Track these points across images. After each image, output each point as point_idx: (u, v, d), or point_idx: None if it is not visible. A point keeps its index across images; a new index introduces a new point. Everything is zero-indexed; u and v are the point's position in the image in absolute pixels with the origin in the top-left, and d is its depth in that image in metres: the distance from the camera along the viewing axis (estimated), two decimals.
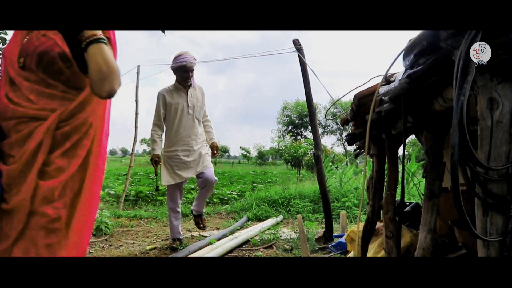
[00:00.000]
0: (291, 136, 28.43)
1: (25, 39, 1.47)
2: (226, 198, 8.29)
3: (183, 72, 3.54)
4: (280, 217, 5.88)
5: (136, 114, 7.14)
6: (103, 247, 4.14)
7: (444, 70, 1.09)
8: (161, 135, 3.71)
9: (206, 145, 3.83)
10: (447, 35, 0.99)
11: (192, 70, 3.58)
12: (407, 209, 2.74)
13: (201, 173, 3.69)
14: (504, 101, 0.91)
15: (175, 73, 3.64)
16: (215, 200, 8.09)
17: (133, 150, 7.40)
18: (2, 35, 4.49)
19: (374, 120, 1.71)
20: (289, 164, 17.83)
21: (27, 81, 1.43)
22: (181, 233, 3.95)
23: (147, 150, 34.66)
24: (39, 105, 1.41)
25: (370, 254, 2.39)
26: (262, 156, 31.85)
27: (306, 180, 11.71)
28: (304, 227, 4.05)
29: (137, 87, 7.23)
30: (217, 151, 3.89)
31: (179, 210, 3.85)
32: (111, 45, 1.46)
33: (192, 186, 8.66)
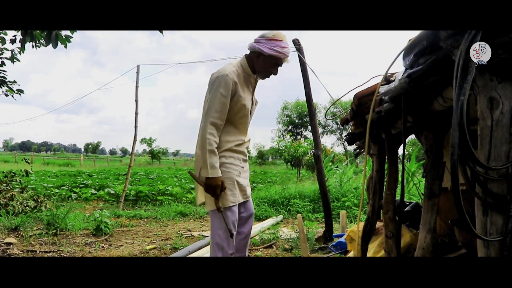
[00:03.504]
0: (291, 136, 28.41)
1: None
2: None
3: (272, 66, 2.35)
4: (280, 217, 5.88)
5: (136, 113, 7.19)
6: (103, 247, 4.14)
7: (444, 70, 1.09)
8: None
9: None
10: (447, 35, 0.99)
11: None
12: (407, 209, 2.75)
13: (243, 204, 2.47)
14: (504, 101, 0.91)
15: (260, 60, 2.33)
16: None
17: (133, 150, 7.42)
18: (2, 35, 4.50)
19: (374, 119, 1.71)
20: (289, 164, 17.78)
21: None
22: None
23: (147, 150, 34.44)
24: None
25: (370, 253, 2.40)
26: (262, 155, 31.81)
27: (306, 180, 11.72)
28: (304, 227, 4.05)
29: (137, 87, 7.28)
30: None
31: (233, 251, 2.30)
32: None
33: (193, 186, 8.64)
